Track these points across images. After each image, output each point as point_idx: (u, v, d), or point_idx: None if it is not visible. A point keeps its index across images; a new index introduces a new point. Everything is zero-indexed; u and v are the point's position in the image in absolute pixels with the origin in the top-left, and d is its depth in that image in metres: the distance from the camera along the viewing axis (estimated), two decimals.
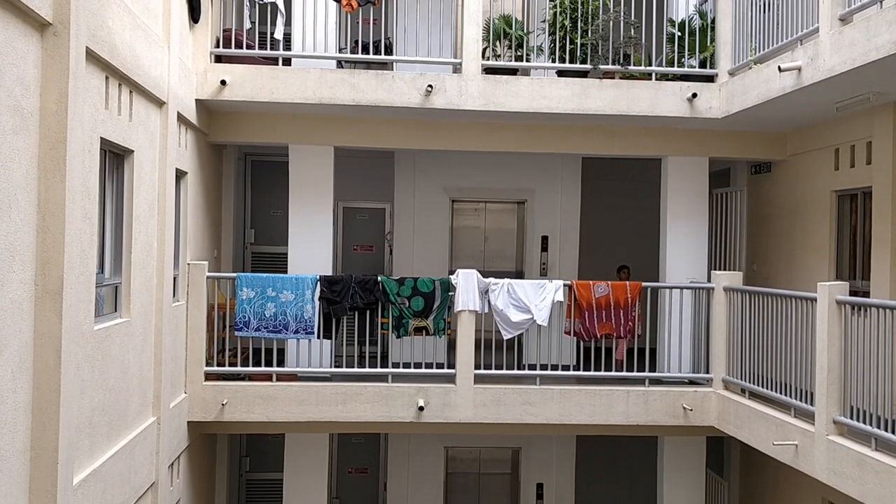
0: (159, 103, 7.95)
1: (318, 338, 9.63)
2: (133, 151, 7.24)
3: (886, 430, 6.90)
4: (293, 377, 9.75)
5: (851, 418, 7.44)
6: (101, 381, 6.37)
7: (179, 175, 9.07)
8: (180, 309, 9.06)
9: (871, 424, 7.10)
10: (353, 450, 13.64)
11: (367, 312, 9.78)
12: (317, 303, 9.56)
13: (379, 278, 9.73)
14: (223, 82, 9.57)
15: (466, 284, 9.68)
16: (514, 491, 12.75)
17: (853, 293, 8.19)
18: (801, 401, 8.21)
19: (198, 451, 10.19)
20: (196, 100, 9.52)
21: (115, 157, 7.09)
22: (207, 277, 9.52)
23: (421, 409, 9.54)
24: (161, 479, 7.88)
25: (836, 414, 7.61)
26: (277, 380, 9.62)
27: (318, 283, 9.59)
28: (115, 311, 7.10)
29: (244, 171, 13.07)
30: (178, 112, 8.49)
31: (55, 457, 5.15)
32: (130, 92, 7.11)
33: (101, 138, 6.37)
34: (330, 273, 10.34)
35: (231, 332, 9.83)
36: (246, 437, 13.54)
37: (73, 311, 5.48)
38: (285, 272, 10.25)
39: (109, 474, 6.45)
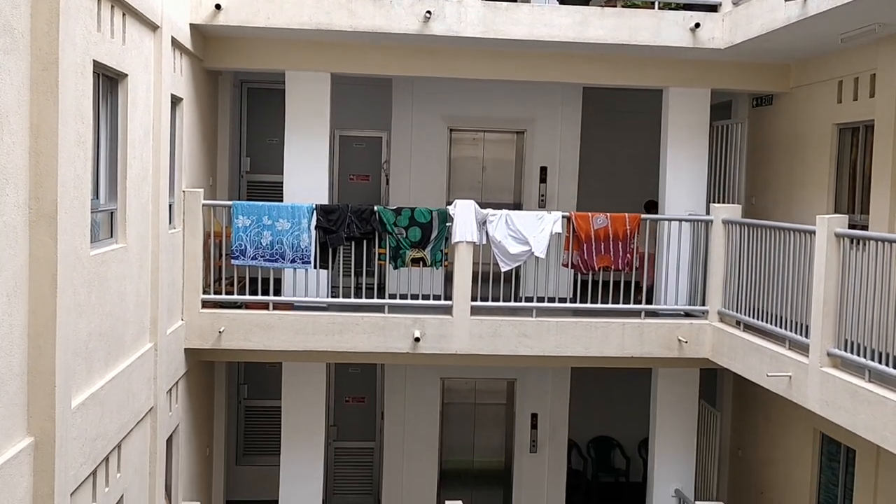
0: (153, 27, 7.80)
1: (315, 267, 9.62)
2: (127, 76, 7.12)
3: (880, 362, 6.95)
4: (290, 307, 9.77)
5: (845, 351, 7.48)
6: (97, 306, 6.36)
7: (174, 101, 8.94)
8: (176, 236, 9.03)
9: (865, 357, 7.15)
10: (350, 379, 13.76)
11: (364, 243, 9.76)
12: (313, 232, 9.53)
13: (375, 208, 9.68)
14: (218, 7, 9.39)
15: (464, 215, 9.63)
16: (509, 421, 12.90)
17: (851, 227, 8.16)
18: (795, 333, 8.25)
19: (196, 377, 10.26)
20: (191, 24, 9.34)
21: (108, 82, 6.97)
22: (203, 205, 9.47)
23: (417, 340, 9.58)
24: (160, 404, 7.94)
25: (830, 346, 7.65)
26: (274, 309, 9.63)
27: (315, 212, 9.55)
28: (111, 237, 7.06)
29: (240, 99, 12.92)
30: (173, 37, 8.33)
31: (52, 380, 5.16)
32: (123, 14, 6.96)
33: (94, 61, 6.24)
34: (326, 202, 10.28)
35: (227, 260, 9.82)
36: (244, 365, 13.65)
37: (69, 235, 5.44)
38: (282, 201, 10.18)
39: (108, 398, 6.49)
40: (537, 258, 9.89)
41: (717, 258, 9.89)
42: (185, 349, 9.35)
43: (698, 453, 11.42)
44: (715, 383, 12.71)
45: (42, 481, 5.12)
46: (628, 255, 9.95)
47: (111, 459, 6.73)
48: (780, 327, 8.56)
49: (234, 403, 13.61)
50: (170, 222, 8.68)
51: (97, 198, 6.73)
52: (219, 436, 12.00)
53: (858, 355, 7.24)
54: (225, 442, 12.30)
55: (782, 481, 11.04)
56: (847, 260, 7.59)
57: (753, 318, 9.14)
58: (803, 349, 8.06)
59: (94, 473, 6.27)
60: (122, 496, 7.06)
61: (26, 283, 5.08)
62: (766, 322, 8.86)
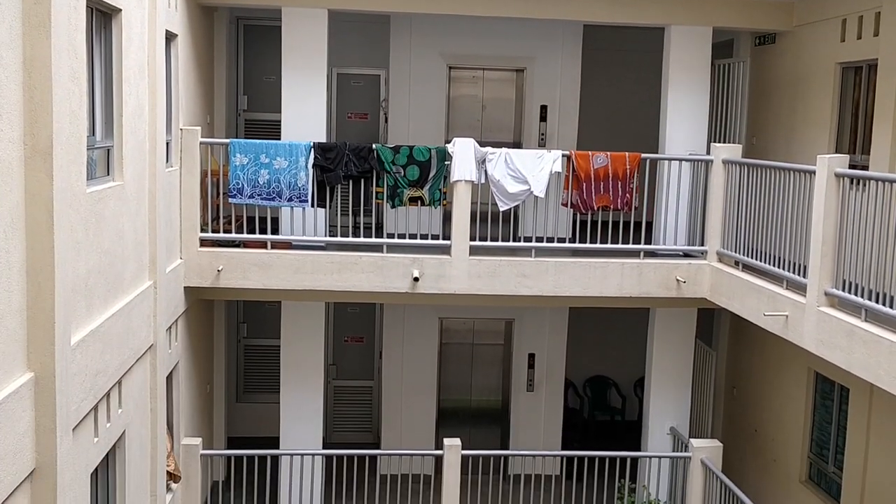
0: None
1: (312, 206, 9.59)
2: (120, 10, 7.00)
3: (877, 302, 6.97)
4: (288, 246, 9.76)
5: (843, 291, 7.51)
6: (95, 243, 6.35)
7: (169, 37, 8.82)
8: (174, 174, 8.98)
9: (862, 297, 7.17)
10: (349, 319, 13.83)
11: (362, 181, 9.71)
12: (310, 170, 9.48)
13: (374, 146, 9.62)
14: None
15: (463, 153, 9.57)
16: (506, 361, 13.00)
17: (852, 167, 8.13)
18: (793, 273, 8.27)
19: (195, 316, 10.31)
20: None
21: (102, 17, 6.86)
22: (200, 143, 9.40)
23: (416, 279, 9.60)
24: (159, 341, 7.99)
25: (828, 286, 7.67)
26: (272, 248, 9.63)
27: (312, 150, 9.48)
28: (108, 174, 7.02)
29: (236, 36, 12.75)
30: None
31: (52, 316, 5.17)
32: None
33: None
34: (324, 140, 10.20)
35: (225, 199, 9.78)
36: (243, 304, 13.71)
37: (65, 172, 5.40)
38: (279, 139, 10.11)
39: (108, 335, 6.52)
40: (536, 197, 9.86)
41: (716, 198, 9.86)
42: (185, 287, 9.37)
43: (693, 392, 11.54)
44: (712, 323, 12.79)
45: (44, 415, 5.17)
46: (628, 195, 9.92)
47: (112, 395, 6.79)
48: (779, 267, 8.57)
49: (234, 342, 13.71)
50: (167, 161, 8.63)
51: (93, 135, 6.68)
52: (219, 374, 12.10)
53: (855, 295, 7.27)
54: (225, 380, 12.42)
55: (776, 419, 11.18)
56: (847, 200, 7.57)
57: (752, 258, 9.15)
58: (801, 289, 8.08)
59: (95, 409, 6.32)
60: (123, 431, 7.14)
61: (23, 220, 5.06)
62: (765, 262, 8.87)
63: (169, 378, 8.91)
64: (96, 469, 6.64)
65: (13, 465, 4.81)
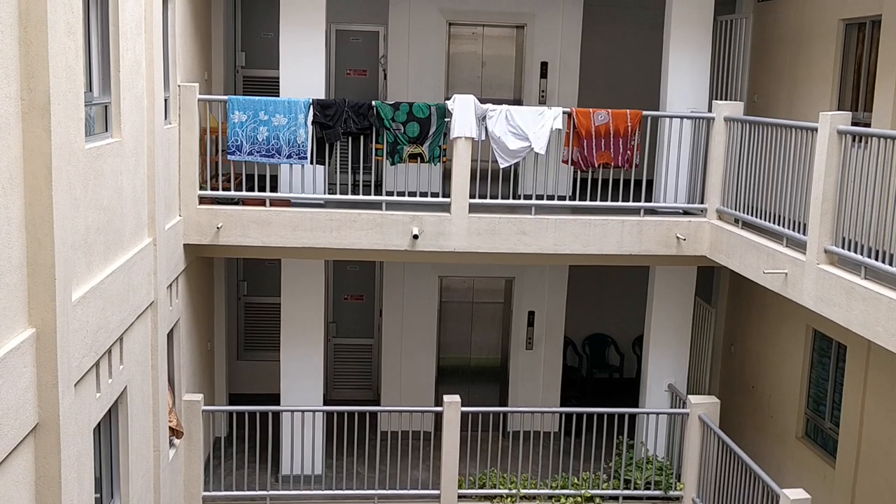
0: None
1: (312, 163, 9.56)
2: None
3: (877, 259, 6.97)
4: (287, 203, 9.74)
5: (843, 248, 7.51)
6: (94, 200, 6.33)
7: None
8: (172, 132, 8.93)
9: (861, 254, 7.17)
10: (349, 277, 13.86)
11: (361, 138, 9.66)
12: (310, 127, 9.43)
13: (373, 103, 9.55)
14: None
15: (463, 110, 9.51)
16: (506, 319, 13.04)
17: (854, 125, 8.08)
18: (793, 231, 8.27)
19: (195, 274, 10.32)
20: None
21: None
22: (199, 100, 9.34)
23: (415, 237, 9.60)
24: (160, 298, 8.00)
25: (827, 243, 7.67)
26: (271, 205, 9.62)
27: (311, 107, 9.43)
28: (106, 131, 6.97)
29: None
30: None
31: (52, 272, 5.17)
32: None
33: None
34: (323, 97, 10.13)
35: (224, 156, 9.75)
36: (243, 262, 13.73)
37: (62, 127, 5.37)
38: (278, 96, 10.03)
39: (108, 292, 6.52)
40: (537, 155, 9.82)
41: (717, 156, 9.83)
42: (184, 245, 9.37)
43: (692, 349, 11.59)
44: (711, 280, 12.82)
45: (45, 371, 5.19)
46: (629, 152, 9.88)
47: (114, 352, 6.82)
48: (779, 225, 8.57)
49: (234, 300, 13.74)
50: (165, 117, 8.58)
51: (90, 91, 6.62)
52: (219, 331, 12.15)
53: (855, 252, 7.27)
54: (226, 337, 12.47)
55: (773, 376, 11.25)
56: (848, 157, 7.54)
57: (752, 216, 9.14)
58: (800, 246, 8.08)
59: (97, 365, 6.35)
60: (125, 387, 7.18)
61: (21, 176, 5.04)
62: (765, 220, 8.86)
63: (170, 335, 8.94)
64: (99, 424, 6.70)
65: (16, 420, 4.85)
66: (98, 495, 6.74)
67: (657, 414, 10.80)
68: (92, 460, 6.30)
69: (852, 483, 9.32)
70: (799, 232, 8.16)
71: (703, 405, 10.18)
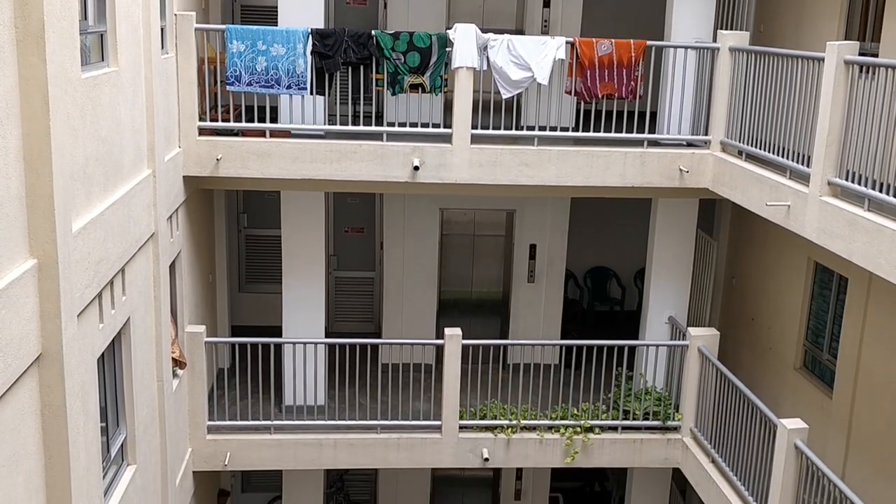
0: None
1: (311, 93, 9.45)
2: None
3: (880, 191, 6.93)
4: (286, 134, 9.66)
5: (846, 180, 7.46)
6: (92, 130, 6.27)
7: None
8: (170, 62, 8.81)
9: (865, 186, 7.13)
10: (350, 210, 13.83)
11: (361, 69, 9.53)
12: (309, 57, 9.29)
13: (373, 32, 9.40)
14: None
15: (464, 39, 9.36)
16: (507, 252, 13.03)
17: (862, 55, 7.94)
18: (797, 163, 8.21)
19: (196, 206, 10.29)
20: None
21: None
22: (196, 29, 9.18)
23: (416, 168, 9.54)
24: (161, 230, 7.99)
25: (831, 175, 7.62)
26: (271, 136, 9.54)
27: (310, 36, 9.28)
28: (102, 60, 6.87)
29: None
30: None
31: (51, 203, 5.14)
32: None
33: None
34: (322, 27, 9.96)
35: (223, 87, 9.63)
36: (243, 194, 13.69)
37: (58, 56, 5.28)
38: (276, 26, 9.86)
39: (108, 223, 6.50)
40: (539, 85, 9.70)
41: (721, 87, 9.71)
42: (184, 177, 9.32)
43: (693, 282, 11.61)
44: (713, 213, 12.78)
45: (48, 302, 5.20)
46: (632, 83, 9.76)
47: (116, 283, 6.83)
48: (782, 157, 8.50)
49: (235, 232, 13.74)
50: (162, 47, 8.44)
51: (85, 19, 6.50)
52: (221, 263, 12.17)
53: (859, 185, 7.22)
54: (227, 270, 12.49)
55: (774, 308, 11.30)
56: (855, 88, 7.45)
57: (756, 148, 9.07)
58: (804, 179, 8.04)
59: (99, 296, 6.37)
60: (128, 319, 7.21)
61: (18, 105, 4.98)
62: (769, 152, 8.79)
63: (171, 267, 8.95)
64: (103, 355, 6.74)
65: (20, 350, 4.87)
66: (103, 424, 6.82)
67: (657, 346, 10.88)
68: (96, 390, 6.37)
69: (849, 413, 9.42)
70: (802, 164, 8.11)
71: (703, 337, 10.24)
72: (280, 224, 10.76)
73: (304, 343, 10.26)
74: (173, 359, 8.93)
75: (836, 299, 10.10)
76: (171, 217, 8.70)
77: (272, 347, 10.22)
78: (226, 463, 10.00)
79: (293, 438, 10.15)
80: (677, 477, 11.73)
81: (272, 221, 12.54)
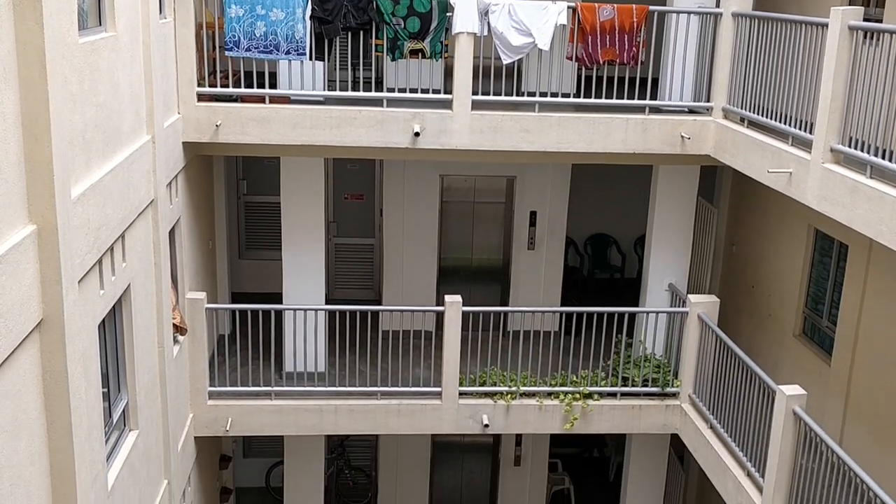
0: None
1: (311, 59, 9.38)
2: None
3: (883, 158, 6.90)
4: (286, 100, 9.60)
5: (849, 147, 7.43)
6: (90, 96, 6.23)
7: None
8: (168, 26, 8.73)
9: (868, 153, 7.10)
10: (349, 176, 13.79)
11: (361, 34, 9.46)
12: (308, 22, 9.21)
13: None
14: None
15: (465, 5, 9.28)
16: (507, 218, 13.01)
17: (866, 20, 7.88)
18: (800, 129, 8.17)
19: (195, 172, 10.26)
20: None
21: None
22: None
23: (417, 134, 9.49)
24: (160, 196, 7.96)
25: (834, 142, 7.58)
26: (270, 102, 9.48)
27: (309, 1, 9.19)
28: (100, 25, 6.81)
29: None
30: None
31: (50, 169, 5.12)
32: None
33: None
34: None
35: (221, 52, 9.56)
36: (242, 160, 13.64)
37: (55, 20, 5.23)
38: None
39: (108, 190, 6.48)
40: (540, 51, 9.63)
41: (724, 53, 9.64)
42: (183, 143, 9.27)
43: (693, 249, 11.60)
44: (714, 180, 12.75)
45: (48, 268, 5.19)
46: (634, 49, 9.68)
47: (116, 249, 6.82)
48: (785, 124, 8.46)
49: (234, 199, 13.71)
50: (160, 12, 8.35)
51: None
52: (220, 230, 12.15)
53: (861, 151, 7.19)
54: (227, 236, 12.48)
55: (774, 276, 11.31)
56: (859, 54, 7.39)
57: (758, 115, 9.02)
58: (806, 146, 8.00)
59: (99, 262, 6.36)
60: (129, 285, 7.21)
61: (15, 70, 4.94)
62: (771, 119, 8.74)
63: (171, 234, 8.94)
64: (104, 321, 6.75)
65: (21, 315, 4.87)
66: (105, 390, 6.85)
67: (657, 313, 10.90)
68: (98, 356, 6.38)
69: (847, 380, 9.46)
70: (805, 131, 8.06)
71: (703, 304, 10.25)
72: (280, 190, 10.73)
73: (305, 310, 10.28)
74: (174, 325, 8.95)
75: (836, 266, 10.10)
76: (170, 183, 8.67)
77: (272, 314, 10.24)
78: (227, 428, 10.06)
79: (294, 404, 10.19)
80: (675, 443, 11.81)
81: (272, 188, 12.51)
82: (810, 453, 7.77)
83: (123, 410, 7.38)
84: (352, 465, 14.27)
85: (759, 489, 8.51)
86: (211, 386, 10.12)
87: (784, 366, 10.88)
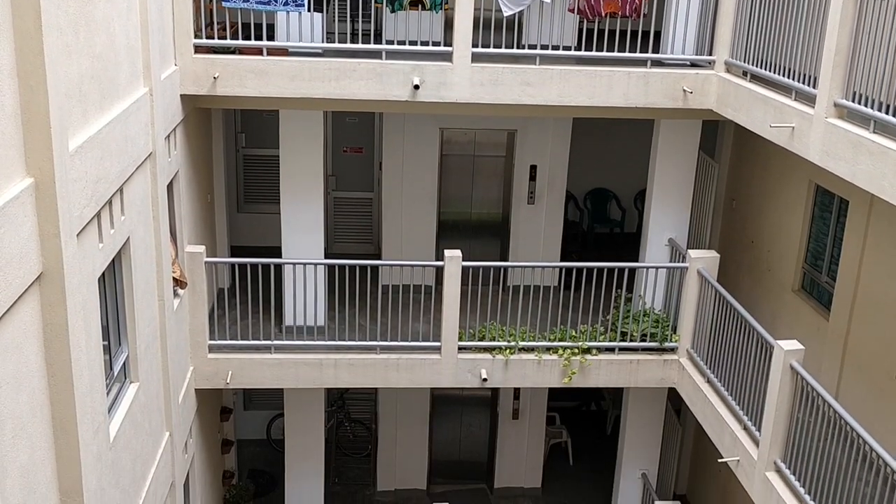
0: None
1: (309, 10, 9.25)
2: None
3: (887, 113, 6.84)
4: (284, 52, 9.50)
5: (853, 102, 7.36)
6: (86, 47, 6.15)
7: None
8: None
9: (872, 108, 7.04)
10: (348, 129, 13.70)
11: None
12: None
13: None
14: None
15: None
16: (507, 172, 12.95)
17: None
18: (803, 84, 8.09)
19: (193, 125, 10.18)
20: None
21: None
22: None
23: (416, 87, 9.41)
24: (158, 149, 7.90)
25: (837, 97, 7.52)
26: (268, 54, 9.38)
27: None
28: None
29: None
30: None
31: (47, 121, 5.06)
32: None
33: None
34: None
35: (219, 3, 9.43)
36: (241, 113, 13.54)
37: None
38: None
39: (106, 142, 6.43)
40: (542, 2, 9.50)
41: (727, 5, 9.51)
42: (181, 95, 9.18)
43: (693, 204, 11.57)
44: (715, 135, 12.68)
45: (46, 221, 5.17)
46: (636, 1, 9.55)
47: (114, 202, 6.79)
48: (788, 78, 8.38)
49: (233, 152, 13.64)
50: None
51: None
52: (219, 184, 12.10)
53: (866, 106, 7.13)
54: (225, 190, 12.43)
55: (773, 231, 11.29)
56: (864, 6, 7.28)
57: (761, 68, 8.93)
58: (809, 100, 7.93)
59: (98, 216, 6.33)
60: (128, 238, 7.19)
61: (10, 21, 4.86)
62: (774, 72, 8.66)
63: (170, 187, 8.90)
64: (103, 274, 6.75)
65: (20, 269, 4.86)
66: (106, 343, 6.87)
67: (656, 268, 10.90)
68: (98, 309, 6.38)
69: (845, 335, 9.50)
70: (808, 85, 7.99)
71: (703, 259, 10.25)
72: (278, 144, 10.67)
73: (304, 264, 10.27)
74: (173, 278, 8.95)
75: (836, 222, 10.09)
76: (168, 136, 8.61)
77: (272, 268, 10.24)
78: (227, 381, 10.12)
79: (294, 358, 10.24)
80: (672, 396, 11.90)
81: (270, 141, 12.45)
82: (806, 407, 7.82)
83: (124, 363, 7.42)
84: (352, 418, 14.39)
85: (756, 442, 8.59)
86: (211, 339, 10.16)
87: (782, 321, 10.92)
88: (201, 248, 9.73)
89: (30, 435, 5.12)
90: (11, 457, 4.83)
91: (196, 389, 10.14)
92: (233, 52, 9.40)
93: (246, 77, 9.29)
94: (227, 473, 13.04)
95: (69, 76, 5.73)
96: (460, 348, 10.40)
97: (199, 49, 9.24)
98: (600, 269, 10.62)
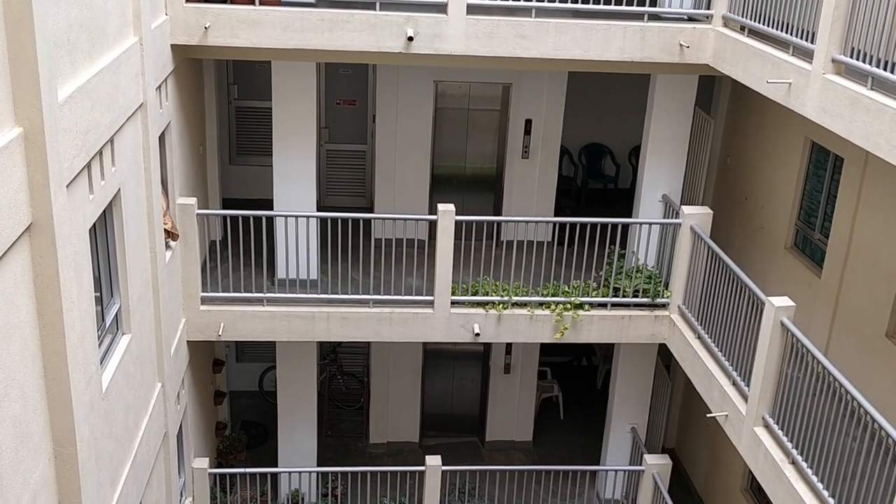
0: None
1: None
2: None
3: (885, 70, 6.79)
4: (277, 2, 9.36)
5: (851, 58, 7.30)
6: None
7: None
8: None
9: (870, 64, 6.98)
10: (342, 81, 13.57)
11: None
12: None
13: None
14: None
15: None
16: (502, 126, 12.87)
17: None
18: (801, 39, 8.02)
19: (185, 76, 10.06)
20: None
21: None
22: None
23: (410, 39, 9.30)
24: (149, 100, 7.82)
25: (835, 52, 7.45)
26: (260, 4, 9.25)
27: None
28: None
29: None
30: None
31: (35, 70, 4.98)
32: None
33: None
34: None
35: None
36: (233, 64, 13.39)
37: None
38: None
39: (95, 93, 6.35)
40: None
41: None
42: (172, 46, 9.07)
43: (688, 160, 11.53)
44: (712, 91, 12.60)
45: (36, 171, 5.11)
46: None
47: (105, 153, 6.72)
48: (786, 33, 8.30)
49: (225, 104, 13.51)
50: None
51: None
52: (211, 135, 12.01)
53: (864, 62, 7.07)
54: (217, 142, 12.34)
55: (767, 188, 11.28)
56: None
57: (759, 23, 8.84)
58: (807, 55, 7.87)
59: (88, 166, 6.27)
60: (118, 189, 7.14)
61: None
62: (772, 27, 8.57)
63: (161, 138, 8.82)
64: (94, 226, 6.71)
65: (9, 219, 4.82)
66: (98, 294, 6.85)
67: (650, 224, 10.89)
68: (89, 260, 6.36)
69: (836, 292, 9.54)
70: (806, 40, 7.92)
71: (696, 216, 10.24)
72: (271, 95, 10.56)
73: (296, 216, 10.22)
74: (165, 230, 8.91)
75: (830, 179, 10.07)
76: (159, 87, 8.52)
77: (264, 220, 10.20)
78: (219, 333, 10.13)
79: (286, 311, 10.25)
80: (663, 352, 11.98)
81: (263, 93, 12.33)
82: (796, 363, 7.87)
83: (116, 315, 7.41)
84: (344, 370, 14.47)
85: (745, 398, 8.66)
86: (203, 291, 10.15)
87: (774, 278, 10.95)
88: (193, 200, 9.68)
89: (21, 385, 5.12)
90: (4, 406, 4.84)
91: (188, 341, 10.16)
92: (224, 1, 9.26)
93: (237, 27, 9.17)
94: (220, 424, 13.14)
95: (58, 24, 5.64)
96: (453, 303, 10.42)
97: None
98: (594, 225, 10.62)
